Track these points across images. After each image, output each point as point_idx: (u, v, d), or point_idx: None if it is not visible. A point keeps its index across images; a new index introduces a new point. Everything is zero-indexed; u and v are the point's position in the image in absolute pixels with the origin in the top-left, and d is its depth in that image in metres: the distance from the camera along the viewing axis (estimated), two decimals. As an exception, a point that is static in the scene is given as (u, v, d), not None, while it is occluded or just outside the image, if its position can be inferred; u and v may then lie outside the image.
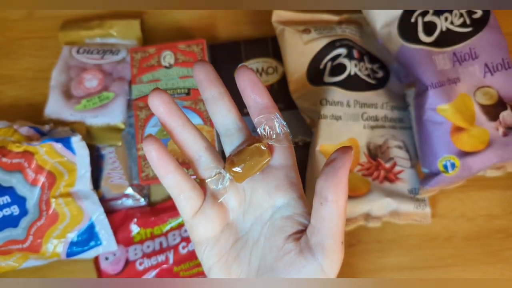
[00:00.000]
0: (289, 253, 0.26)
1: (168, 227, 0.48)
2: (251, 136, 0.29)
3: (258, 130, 0.28)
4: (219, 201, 0.29)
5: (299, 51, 0.48)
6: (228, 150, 0.30)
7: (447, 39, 0.44)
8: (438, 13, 0.44)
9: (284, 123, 0.28)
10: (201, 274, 0.46)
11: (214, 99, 0.29)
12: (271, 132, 0.28)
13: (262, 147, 0.27)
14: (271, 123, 0.28)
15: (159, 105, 0.28)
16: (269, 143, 0.28)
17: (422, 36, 0.44)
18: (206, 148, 0.29)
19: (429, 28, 0.44)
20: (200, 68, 0.28)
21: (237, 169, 0.27)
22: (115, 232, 0.47)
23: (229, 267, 0.29)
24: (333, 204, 0.25)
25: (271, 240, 0.28)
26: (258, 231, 0.28)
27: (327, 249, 0.25)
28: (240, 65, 0.28)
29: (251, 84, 0.28)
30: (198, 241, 0.29)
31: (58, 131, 0.47)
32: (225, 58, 0.51)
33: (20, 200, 0.44)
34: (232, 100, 0.29)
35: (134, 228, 0.47)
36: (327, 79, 0.47)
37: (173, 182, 0.28)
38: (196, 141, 0.29)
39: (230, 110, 0.29)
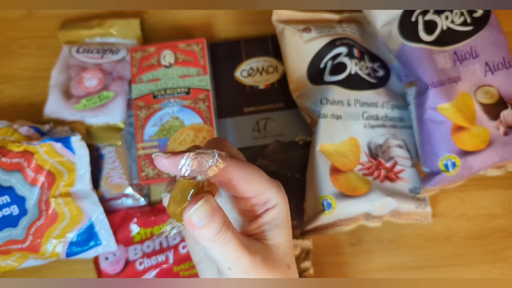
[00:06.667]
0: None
1: (168, 226, 0.48)
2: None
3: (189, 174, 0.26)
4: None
5: (300, 50, 0.48)
6: None
7: (448, 38, 0.44)
8: (438, 12, 0.44)
9: (201, 151, 0.26)
10: (201, 273, 0.46)
11: None
12: (204, 164, 0.25)
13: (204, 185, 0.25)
14: (195, 162, 0.25)
15: None
16: (208, 178, 0.26)
17: (423, 35, 0.44)
18: None
19: (430, 27, 0.44)
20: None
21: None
22: (115, 232, 0.47)
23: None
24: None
25: None
26: None
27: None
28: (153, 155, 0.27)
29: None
30: (189, 237, 0.31)
31: (57, 131, 0.47)
32: (225, 57, 0.51)
33: (19, 200, 0.44)
34: None
35: (134, 228, 0.47)
36: (328, 78, 0.47)
37: None
38: None
39: None
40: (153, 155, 0.26)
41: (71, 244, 0.45)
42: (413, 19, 0.44)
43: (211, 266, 0.30)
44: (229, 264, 0.26)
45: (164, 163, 0.26)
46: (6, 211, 0.44)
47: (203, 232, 0.25)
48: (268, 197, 0.28)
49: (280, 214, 0.29)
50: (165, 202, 0.27)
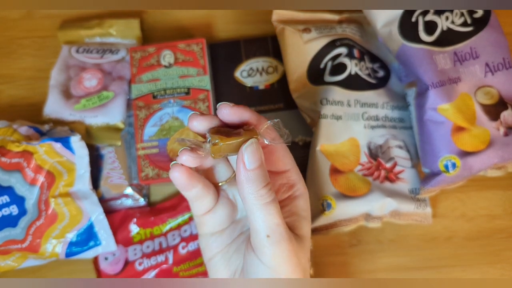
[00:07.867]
0: (250, 252, 0.29)
1: (167, 227, 0.47)
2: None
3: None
4: (220, 184, 0.31)
5: (299, 50, 0.48)
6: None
7: (448, 38, 0.44)
8: (439, 12, 0.44)
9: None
10: (201, 274, 0.46)
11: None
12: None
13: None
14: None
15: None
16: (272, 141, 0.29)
17: (423, 36, 0.44)
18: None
19: (430, 27, 0.44)
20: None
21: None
22: (115, 232, 0.47)
23: (229, 257, 0.31)
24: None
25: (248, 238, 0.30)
26: None
27: (257, 247, 0.28)
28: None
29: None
30: (204, 234, 0.31)
31: (57, 131, 0.47)
32: (225, 57, 0.51)
33: (19, 200, 0.44)
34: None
35: (134, 228, 0.47)
36: (328, 78, 0.47)
37: (192, 195, 0.29)
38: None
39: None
40: (218, 105, 0.28)
41: (71, 244, 0.45)
42: (413, 19, 0.44)
43: (224, 262, 0.31)
44: (269, 231, 0.27)
45: (227, 112, 0.28)
46: (5, 211, 0.44)
47: (252, 178, 0.26)
48: (295, 180, 0.30)
49: (307, 205, 0.31)
50: (194, 124, 0.28)
